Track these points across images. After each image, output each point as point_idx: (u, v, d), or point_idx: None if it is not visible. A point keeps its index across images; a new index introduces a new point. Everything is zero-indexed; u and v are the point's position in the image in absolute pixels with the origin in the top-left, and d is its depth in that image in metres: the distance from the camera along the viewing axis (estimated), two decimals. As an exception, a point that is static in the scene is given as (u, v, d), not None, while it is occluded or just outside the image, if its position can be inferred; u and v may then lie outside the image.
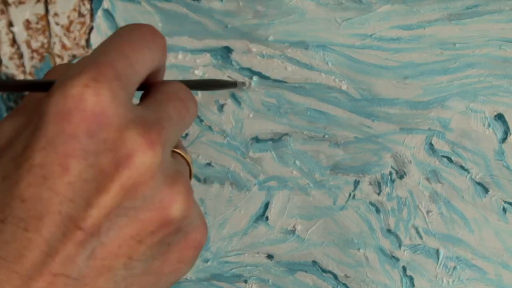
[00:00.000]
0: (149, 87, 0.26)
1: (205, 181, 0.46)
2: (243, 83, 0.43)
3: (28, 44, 0.55)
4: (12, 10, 0.55)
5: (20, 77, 0.56)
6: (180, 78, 0.47)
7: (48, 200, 0.20)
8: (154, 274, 0.24)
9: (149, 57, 0.24)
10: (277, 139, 0.43)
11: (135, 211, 0.21)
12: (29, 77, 0.56)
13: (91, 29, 0.51)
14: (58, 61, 0.53)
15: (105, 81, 0.21)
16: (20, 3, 0.54)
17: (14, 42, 0.56)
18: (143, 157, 0.21)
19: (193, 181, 0.47)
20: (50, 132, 0.20)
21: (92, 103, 0.20)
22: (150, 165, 0.21)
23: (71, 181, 0.20)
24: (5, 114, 0.58)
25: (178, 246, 0.24)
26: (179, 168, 0.24)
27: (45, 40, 0.54)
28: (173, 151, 0.26)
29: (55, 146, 0.20)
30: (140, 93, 0.27)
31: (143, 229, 0.22)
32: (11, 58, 0.56)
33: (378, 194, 0.40)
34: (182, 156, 0.26)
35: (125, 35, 0.24)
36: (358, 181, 0.41)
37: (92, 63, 0.22)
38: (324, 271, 0.42)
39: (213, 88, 0.41)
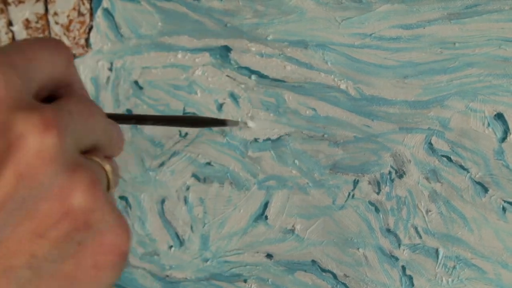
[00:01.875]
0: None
1: (204, 180, 0.46)
2: (236, 122, 0.43)
3: (28, 44, 0.55)
4: (12, 9, 0.55)
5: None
6: (182, 77, 0.47)
7: None
8: (66, 279, 0.21)
9: (49, 60, 0.23)
10: (276, 139, 0.43)
11: (33, 202, 0.19)
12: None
13: (90, 28, 0.51)
14: (57, 60, 0.53)
15: None
16: (20, 2, 0.54)
17: (14, 41, 0.56)
18: (37, 138, 0.19)
19: (193, 181, 0.47)
20: None
21: None
22: (46, 148, 0.19)
23: None
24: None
25: (92, 248, 0.22)
26: (93, 169, 0.22)
27: (45, 40, 0.54)
28: (89, 158, 0.24)
29: None
30: None
31: (44, 221, 0.20)
32: (10, 58, 0.56)
33: (378, 193, 0.40)
34: (101, 166, 0.24)
35: (25, 40, 0.23)
36: (358, 181, 0.41)
37: None
38: (323, 270, 0.42)
39: (199, 126, 0.40)
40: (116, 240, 0.22)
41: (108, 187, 0.24)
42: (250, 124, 0.43)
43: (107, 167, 0.24)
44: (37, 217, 0.20)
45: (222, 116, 0.45)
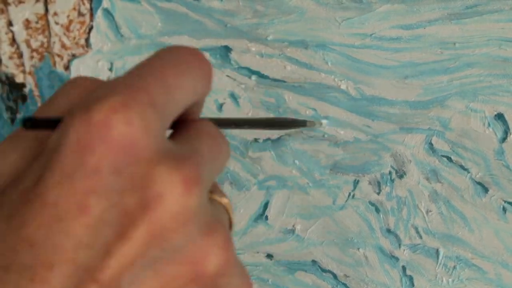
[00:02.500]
0: (180, 123, 0.22)
1: (204, 180, 0.46)
2: (313, 123, 0.41)
3: (28, 44, 0.55)
4: (12, 9, 0.55)
5: (20, 76, 0.56)
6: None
7: (61, 245, 0.17)
8: None
9: (191, 87, 0.20)
10: (276, 139, 0.43)
11: (162, 263, 0.18)
12: (28, 77, 0.56)
13: (90, 28, 0.51)
14: (57, 60, 0.53)
15: (137, 107, 0.17)
16: (20, 2, 0.54)
17: (13, 41, 0.56)
18: (176, 198, 0.17)
19: (193, 181, 0.47)
20: (68, 164, 0.17)
21: (120, 132, 0.17)
22: (183, 208, 0.18)
23: (90, 224, 0.17)
24: (4, 114, 0.58)
25: None
26: (218, 215, 0.21)
27: (45, 40, 0.54)
28: (211, 199, 0.22)
29: (72, 181, 0.17)
30: None
31: (170, 285, 0.18)
32: (10, 58, 0.56)
33: (378, 193, 0.40)
34: (220, 203, 0.22)
35: (166, 57, 0.20)
36: (358, 181, 0.41)
37: (123, 85, 0.18)
38: (323, 270, 0.42)
39: (279, 127, 0.39)
40: None
41: (230, 226, 0.23)
42: (324, 122, 0.41)
43: (225, 201, 0.22)
44: (164, 281, 0.18)
45: (221, 116, 0.45)
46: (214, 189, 0.23)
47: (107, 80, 0.20)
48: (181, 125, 0.22)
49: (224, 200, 0.22)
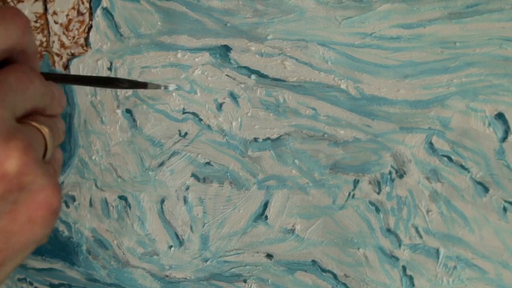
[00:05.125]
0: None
1: (204, 180, 0.46)
2: (157, 86, 0.43)
3: (27, 43, 0.55)
4: (11, 8, 0.55)
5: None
6: (182, 76, 0.47)
7: None
8: (3, 233, 0.24)
9: (2, 32, 0.25)
10: (276, 138, 0.43)
11: None
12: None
13: (90, 27, 0.51)
14: (57, 59, 0.53)
15: None
16: (19, 1, 0.54)
17: (12, 40, 0.56)
18: None
19: (193, 180, 0.47)
20: None
21: None
22: None
23: None
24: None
25: (26, 206, 0.24)
26: (25, 132, 0.24)
27: (44, 39, 0.54)
28: (27, 123, 0.26)
29: None
30: None
31: None
32: (9, 57, 0.56)
33: (378, 193, 0.40)
34: (37, 129, 0.27)
35: None
36: (358, 180, 0.40)
37: None
38: (323, 270, 0.42)
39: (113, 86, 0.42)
40: (47, 198, 0.25)
41: (46, 147, 0.27)
42: (171, 87, 0.43)
43: (44, 129, 0.27)
44: None
45: (221, 116, 0.45)
46: (36, 118, 0.27)
47: None
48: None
49: (44, 129, 0.27)
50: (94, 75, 0.47)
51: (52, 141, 0.27)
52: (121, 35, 0.49)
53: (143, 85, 0.41)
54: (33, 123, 0.26)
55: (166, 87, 0.42)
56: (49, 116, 0.30)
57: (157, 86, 0.42)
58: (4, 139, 0.23)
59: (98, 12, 0.50)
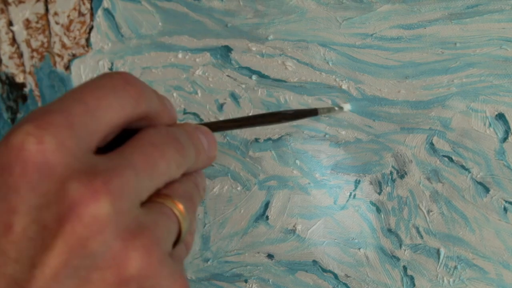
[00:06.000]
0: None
1: (205, 180, 0.46)
2: (330, 109, 0.40)
3: (28, 43, 0.55)
4: (12, 9, 0.55)
5: (20, 76, 0.56)
6: (183, 77, 0.47)
7: None
8: None
9: (115, 104, 0.22)
10: (277, 138, 0.43)
11: (85, 271, 0.19)
12: (28, 76, 0.56)
13: (91, 28, 0.51)
14: (58, 60, 0.53)
15: (50, 128, 0.19)
16: (20, 2, 0.54)
17: (14, 41, 0.56)
18: (86, 209, 0.19)
19: (193, 181, 0.47)
20: None
21: (33, 152, 0.19)
22: (95, 217, 0.19)
23: (15, 240, 0.18)
24: (4, 114, 0.58)
25: None
26: (148, 220, 0.21)
27: (45, 39, 0.54)
28: (156, 202, 0.23)
29: None
30: None
31: None
32: (11, 57, 0.56)
33: (379, 193, 0.40)
34: (169, 208, 0.23)
35: (90, 83, 0.22)
36: (359, 181, 0.41)
37: (42, 110, 0.20)
38: (324, 270, 0.42)
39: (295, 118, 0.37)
40: None
41: (180, 233, 0.23)
42: (346, 107, 0.40)
43: (178, 209, 0.23)
44: (90, 286, 0.19)
45: (222, 117, 0.45)
46: (170, 192, 0.24)
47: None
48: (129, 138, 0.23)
49: (178, 209, 0.23)
50: (260, 113, 0.41)
51: (188, 219, 0.24)
52: (122, 35, 0.49)
53: (314, 112, 0.37)
54: (165, 202, 0.23)
55: (340, 107, 0.39)
56: (190, 175, 0.26)
57: (329, 110, 0.38)
58: (123, 238, 0.20)
59: (99, 12, 0.50)
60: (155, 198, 0.23)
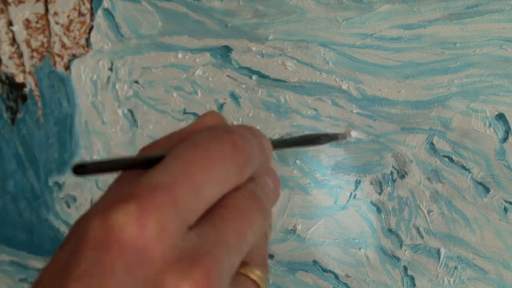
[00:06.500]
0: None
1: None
2: (344, 135, 0.41)
3: (28, 43, 0.55)
4: (12, 9, 0.55)
5: (20, 76, 0.56)
6: (183, 77, 0.47)
7: None
8: None
9: (221, 179, 0.20)
10: (277, 139, 0.43)
11: None
12: (28, 76, 0.56)
13: (91, 28, 0.51)
14: (58, 60, 0.53)
15: (154, 211, 0.18)
16: (20, 2, 0.54)
17: (13, 41, 0.56)
18: None
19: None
20: (88, 260, 0.18)
21: (133, 236, 0.18)
22: None
23: None
24: (4, 114, 0.58)
25: None
26: None
27: (45, 39, 0.54)
28: (241, 273, 0.22)
29: (91, 277, 0.18)
30: None
31: None
32: (10, 57, 0.56)
33: (379, 193, 0.40)
34: (250, 278, 0.22)
35: (199, 148, 0.20)
36: (359, 181, 0.41)
37: (147, 183, 0.19)
38: (325, 270, 0.42)
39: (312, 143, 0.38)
40: None
41: None
42: (354, 133, 0.41)
43: (257, 274, 0.22)
44: None
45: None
46: (251, 260, 0.23)
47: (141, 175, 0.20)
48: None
49: (257, 273, 0.22)
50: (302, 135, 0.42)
51: (266, 283, 0.23)
52: (122, 35, 0.49)
53: (334, 137, 0.39)
54: (246, 273, 0.22)
55: (350, 134, 0.40)
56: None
57: (345, 136, 0.40)
58: None
59: (99, 12, 0.50)
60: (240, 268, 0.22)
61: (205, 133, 0.21)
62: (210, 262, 0.19)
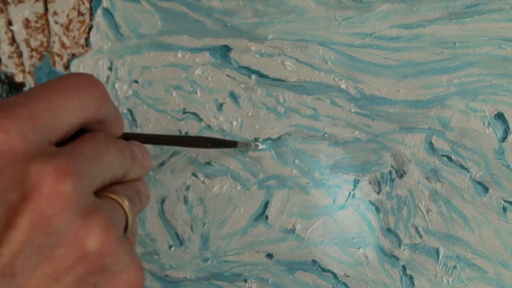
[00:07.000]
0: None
1: (204, 180, 0.46)
2: (246, 145, 0.43)
3: (27, 43, 0.55)
4: (11, 8, 0.55)
5: (19, 75, 0.56)
6: (182, 76, 0.47)
7: None
8: None
9: (78, 107, 0.23)
10: (276, 138, 0.43)
11: (49, 248, 0.20)
12: (28, 76, 0.56)
13: (90, 28, 0.51)
14: (57, 60, 0.53)
15: (15, 120, 0.20)
16: (20, 1, 0.54)
17: (13, 40, 0.56)
18: (49, 186, 0.20)
19: (193, 180, 0.47)
20: None
21: None
22: (58, 195, 0.20)
23: None
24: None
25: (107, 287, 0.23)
26: (103, 204, 0.23)
27: (45, 39, 0.54)
28: (105, 196, 0.25)
29: None
30: None
31: (59, 266, 0.21)
32: (10, 57, 0.56)
33: (378, 193, 0.40)
34: (117, 202, 0.25)
35: (56, 82, 0.23)
36: (358, 180, 0.41)
37: (7, 102, 0.22)
38: (324, 270, 0.42)
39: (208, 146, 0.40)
40: (130, 279, 0.23)
41: (127, 221, 0.25)
42: (261, 146, 0.43)
43: (125, 202, 0.25)
44: (53, 262, 0.20)
45: (221, 116, 0.45)
46: (116, 190, 0.26)
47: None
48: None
49: (124, 203, 0.25)
50: (179, 135, 0.45)
51: (133, 214, 0.26)
52: (121, 35, 0.49)
53: (233, 144, 0.41)
54: (112, 196, 0.25)
55: (257, 146, 0.42)
56: (131, 181, 0.28)
57: (246, 145, 0.42)
58: (83, 215, 0.21)
59: (99, 12, 0.50)
60: (103, 192, 0.25)
61: (65, 74, 0.25)
62: (71, 159, 0.21)
